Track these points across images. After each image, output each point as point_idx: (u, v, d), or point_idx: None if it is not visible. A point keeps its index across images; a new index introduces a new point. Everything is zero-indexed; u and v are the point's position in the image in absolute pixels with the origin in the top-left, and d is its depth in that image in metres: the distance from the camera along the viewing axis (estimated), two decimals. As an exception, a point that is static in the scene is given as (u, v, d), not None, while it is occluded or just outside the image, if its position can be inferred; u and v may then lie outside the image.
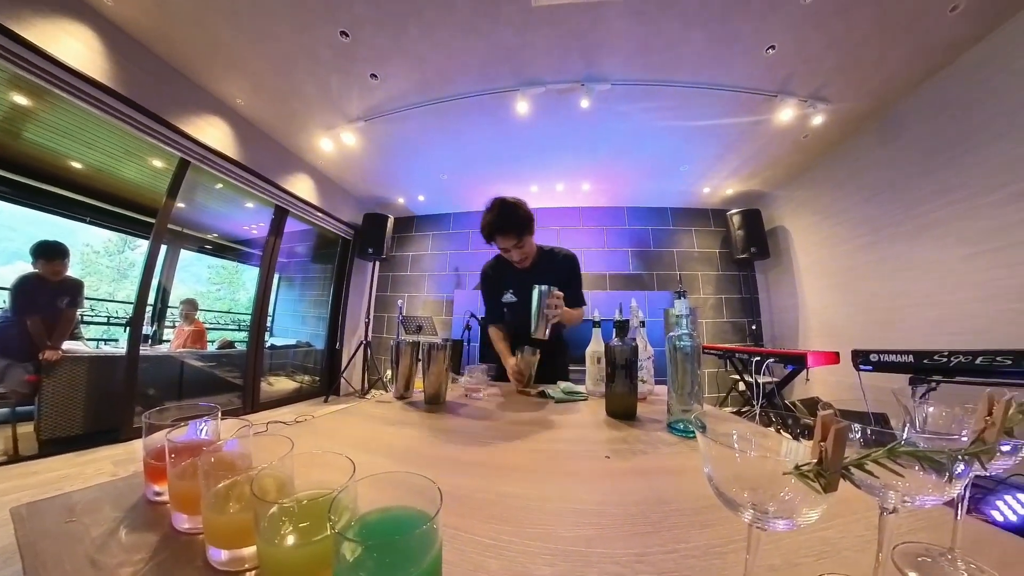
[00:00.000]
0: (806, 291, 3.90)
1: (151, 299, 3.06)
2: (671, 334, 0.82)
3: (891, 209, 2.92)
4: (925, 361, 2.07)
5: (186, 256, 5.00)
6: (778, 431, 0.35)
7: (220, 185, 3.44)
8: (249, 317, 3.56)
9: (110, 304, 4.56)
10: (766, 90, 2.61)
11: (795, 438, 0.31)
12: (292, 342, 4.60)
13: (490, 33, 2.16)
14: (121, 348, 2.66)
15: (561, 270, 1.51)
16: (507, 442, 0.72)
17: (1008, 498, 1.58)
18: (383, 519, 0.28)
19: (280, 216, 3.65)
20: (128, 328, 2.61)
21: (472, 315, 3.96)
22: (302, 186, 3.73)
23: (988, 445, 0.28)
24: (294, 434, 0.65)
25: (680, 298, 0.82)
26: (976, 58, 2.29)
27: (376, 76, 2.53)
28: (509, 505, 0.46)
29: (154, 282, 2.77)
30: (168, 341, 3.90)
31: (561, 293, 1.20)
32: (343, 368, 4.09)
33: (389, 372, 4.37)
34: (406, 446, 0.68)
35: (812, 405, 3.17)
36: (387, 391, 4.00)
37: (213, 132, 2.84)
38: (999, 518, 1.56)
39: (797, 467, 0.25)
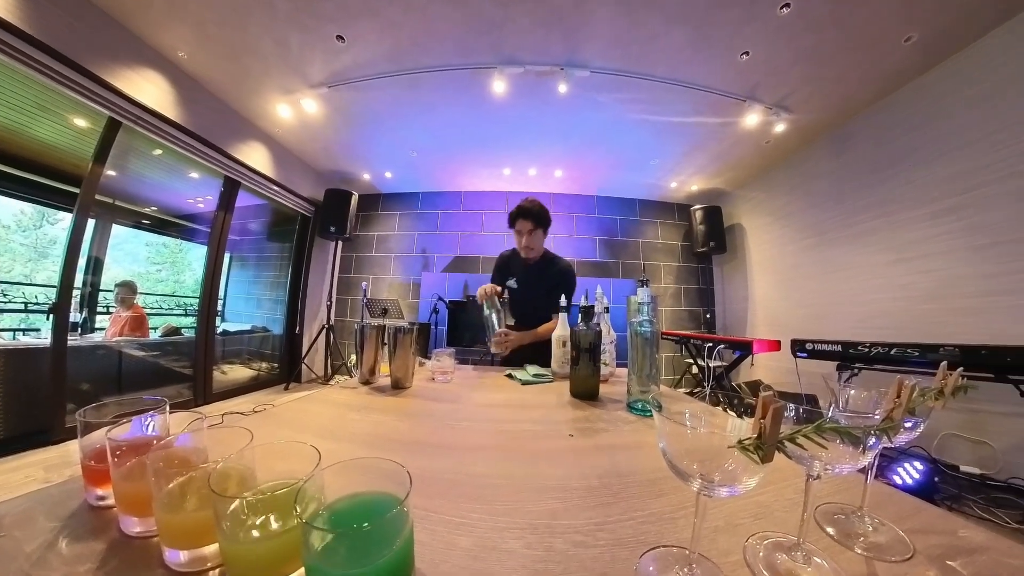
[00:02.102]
0: (756, 285, 4.25)
1: (78, 282, 2.70)
2: (633, 320, 0.86)
3: (834, 216, 3.23)
4: (850, 351, 2.37)
5: (120, 232, 4.48)
6: (725, 410, 0.38)
7: (159, 151, 3.05)
8: (197, 301, 3.28)
9: (27, 288, 4.02)
10: (736, 94, 2.73)
11: (739, 416, 0.34)
12: (247, 327, 4.31)
13: (470, 1, 2.05)
14: (45, 339, 2.33)
15: (553, 275, 1.65)
16: (475, 423, 0.73)
17: (907, 465, 1.87)
18: (352, 506, 0.28)
19: (230, 189, 3.32)
20: (52, 316, 2.28)
21: (440, 298, 3.91)
22: (256, 156, 3.40)
23: (895, 422, 0.33)
24: (253, 425, 0.62)
25: (643, 286, 0.86)
26: (920, 87, 2.55)
27: (343, 38, 2.32)
28: (478, 484, 0.47)
29: (81, 262, 2.42)
30: (102, 329, 3.51)
31: (505, 331, 1.40)
32: (304, 354, 3.91)
33: (353, 357, 4.24)
34: (373, 432, 0.67)
35: (755, 387, 3.51)
36: (352, 376, 3.89)
37: (150, 89, 2.47)
38: (899, 481, 1.84)
39: (740, 441, 0.27)
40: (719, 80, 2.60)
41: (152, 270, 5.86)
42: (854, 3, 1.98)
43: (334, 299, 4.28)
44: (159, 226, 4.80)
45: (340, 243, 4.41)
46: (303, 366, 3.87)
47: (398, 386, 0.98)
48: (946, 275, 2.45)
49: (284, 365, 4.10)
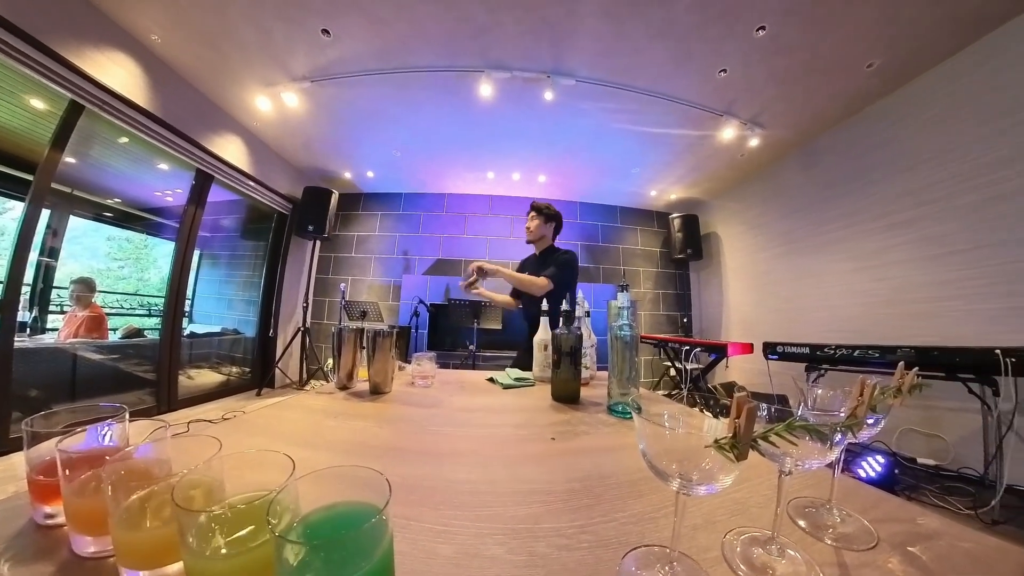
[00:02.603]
0: (730, 290, 4.44)
1: (28, 277, 2.48)
2: (613, 324, 0.87)
3: (803, 226, 3.44)
4: (818, 353, 2.51)
5: (78, 225, 4.16)
6: (702, 411, 0.39)
7: (125, 139, 2.86)
8: (163, 300, 3.10)
9: (-32, 284, 3.71)
10: (714, 109, 2.85)
11: (715, 416, 0.35)
12: (216, 329, 4.10)
13: (460, 4, 2.05)
14: (-13, 340, 2.15)
15: (551, 263, 1.87)
16: (456, 429, 0.72)
17: (870, 459, 1.99)
18: (329, 516, 0.27)
19: (202, 182, 3.14)
20: (-4, 314, 2.11)
21: (421, 301, 3.85)
22: (231, 149, 3.25)
23: (858, 419, 0.35)
24: (222, 433, 0.59)
25: (623, 291, 0.87)
26: (880, 110, 2.76)
27: (328, 32, 2.26)
28: (459, 491, 0.47)
29: (33, 256, 2.27)
30: (55, 330, 3.27)
31: (479, 265, 1.67)
32: (278, 358, 3.76)
33: (330, 361, 4.12)
34: (351, 439, 0.65)
35: (730, 388, 3.64)
36: (328, 381, 3.78)
37: (118, 72, 2.30)
38: (863, 474, 1.95)
39: (716, 441, 0.28)
40: (698, 95, 2.71)
41: (113, 267, 5.46)
42: (822, 30, 2.12)
43: (311, 301, 4.13)
44: (122, 219, 4.50)
45: (318, 243, 4.29)
46: (276, 370, 3.71)
47: (377, 391, 0.96)
48: (903, 282, 2.63)
49: (256, 369, 3.92)
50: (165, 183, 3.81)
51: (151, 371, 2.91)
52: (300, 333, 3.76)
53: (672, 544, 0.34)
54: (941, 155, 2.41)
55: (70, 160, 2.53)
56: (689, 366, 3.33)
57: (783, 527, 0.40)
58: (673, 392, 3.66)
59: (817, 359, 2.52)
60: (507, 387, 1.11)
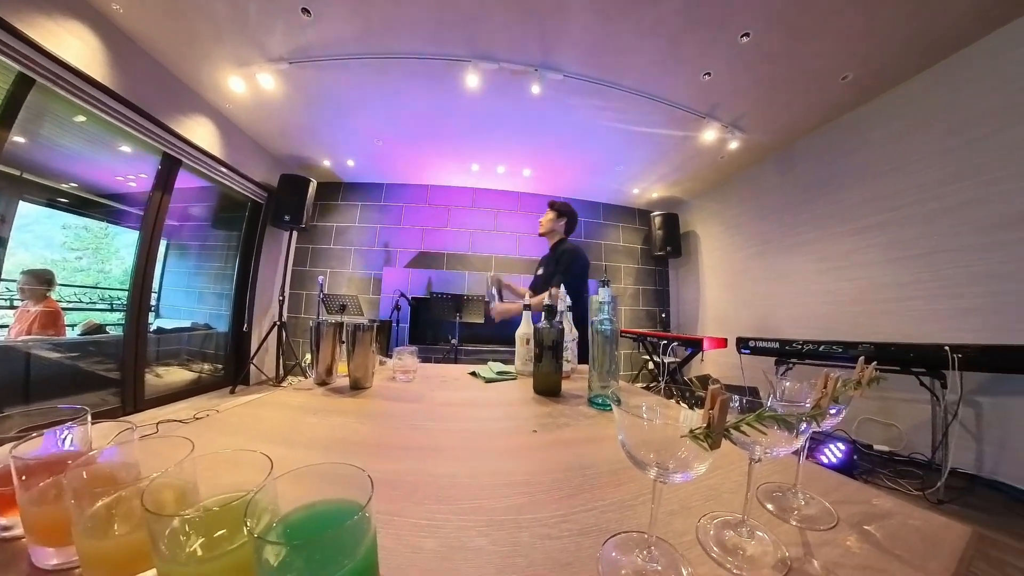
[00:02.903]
0: (707, 288, 4.59)
1: None
2: (594, 319, 0.89)
3: (777, 228, 3.58)
4: (787, 347, 2.67)
5: (29, 211, 3.86)
6: (678, 402, 0.40)
7: (82, 118, 2.62)
8: (126, 294, 2.94)
9: (-97, 276, 3.39)
10: (697, 111, 2.91)
11: (691, 408, 0.36)
12: (186, 324, 3.92)
13: None
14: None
15: (556, 256, 2.02)
16: (438, 423, 0.72)
17: (832, 446, 2.13)
18: (309, 515, 0.27)
19: (170, 167, 2.94)
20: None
21: (402, 294, 3.80)
22: (201, 132, 3.05)
23: (822, 409, 0.37)
24: (194, 433, 0.57)
25: (604, 287, 0.89)
26: (852, 120, 2.89)
27: (308, 12, 2.14)
28: (442, 485, 0.47)
29: None
30: (4, 327, 3.05)
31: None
32: (253, 353, 3.63)
33: (308, 356, 4.01)
34: (331, 435, 0.64)
35: (704, 381, 3.81)
36: (307, 377, 3.69)
37: (74, 44, 2.09)
38: (825, 460, 2.10)
39: (691, 431, 0.29)
40: (683, 96, 2.76)
41: (70, 257, 5.09)
42: (802, 41, 2.20)
43: (287, 294, 3.99)
44: (80, 206, 4.16)
45: (295, 233, 4.13)
46: (252, 367, 3.59)
47: (357, 386, 0.95)
48: (867, 283, 2.79)
49: (230, 366, 3.77)
50: (128, 167, 3.55)
51: (115, 370, 2.76)
52: (276, 328, 3.64)
53: (650, 530, 0.36)
54: (905, 166, 2.57)
55: (18, 140, 2.34)
56: (667, 360, 3.45)
57: (753, 511, 0.42)
58: (651, 384, 3.78)
59: (786, 353, 2.68)
60: (489, 381, 1.11)
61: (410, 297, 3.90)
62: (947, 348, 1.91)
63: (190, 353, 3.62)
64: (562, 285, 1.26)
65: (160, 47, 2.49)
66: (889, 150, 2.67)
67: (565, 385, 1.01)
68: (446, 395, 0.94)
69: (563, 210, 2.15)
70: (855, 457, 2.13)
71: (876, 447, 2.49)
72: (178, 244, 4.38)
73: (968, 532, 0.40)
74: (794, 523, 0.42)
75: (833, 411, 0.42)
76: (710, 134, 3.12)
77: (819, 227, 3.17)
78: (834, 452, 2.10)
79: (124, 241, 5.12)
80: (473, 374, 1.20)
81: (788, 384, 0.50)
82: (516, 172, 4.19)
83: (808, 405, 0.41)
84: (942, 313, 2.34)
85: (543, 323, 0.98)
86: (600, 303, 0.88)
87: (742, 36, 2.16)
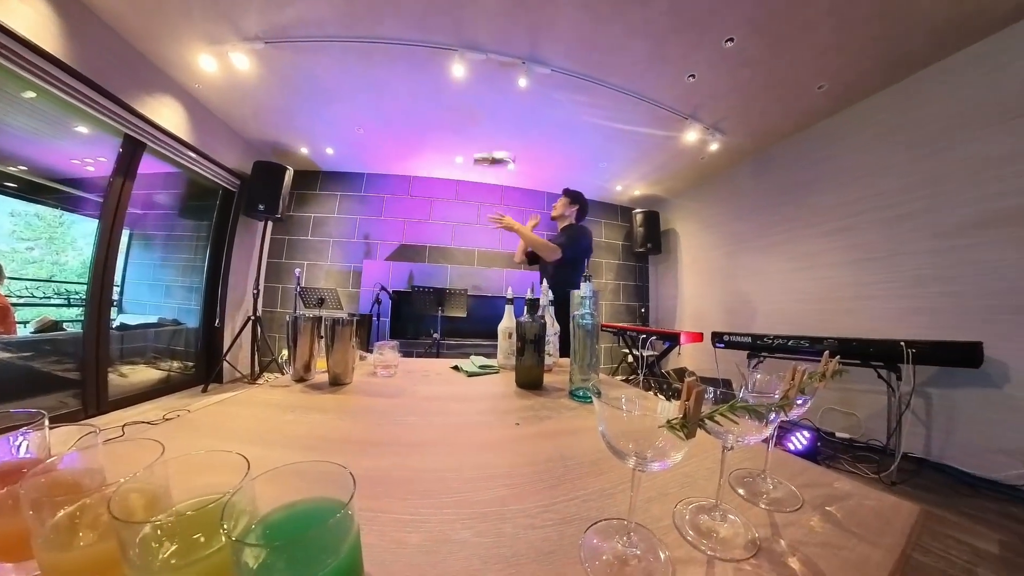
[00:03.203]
0: (684, 284, 4.73)
1: None
2: (575, 313, 0.90)
3: (751, 228, 3.73)
4: (758, 342, 2.82)
5: None
6: (656, 394, 0.42)
7: (32, 94, 2.40)
8: (85, 288, 2.76)
9: None
10: (680, 111, 2.96)
11: (668, 399, 0.37)
12: (152, 320, 3.72)
13: None
14: None
15: (564, 234, 2.22)
16: (421, 418, 0.72)
17: (798, 434, 2.25)
18: (290, 516, 0.26)
19: (132, 151, 2.71)
20: None
21: (383, 288, 3.73)
22: (168, 114, 2.83)
23: (789, 400, 0.40)
24: (164, 435, 0.55)
25: (586, 282, 0.90)
26: (825, 128, 3.04)
27: None
28: (426, 479, 0.47)
29: None
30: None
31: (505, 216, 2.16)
32: (226, 350, 3.48)
33: (285, 352, 3.89)
34: (310, 433, 0.62)
35: (681, 373, 3.98)
36: (284, 374, 3.59)
37: (23, 11, 1.88)
38: (792, 447, 2.22)
39: (668, 421, 0.30)
40: (667, 96, 2.80)
41: (20, 248, 4.73)
42: (782, 49, 2.27)
43: (262, 287, 3.83)
44: (30, 191, 3.81)
45: (270, 224, 3.92)
46: (225, 364, 3.46)
47: (337, 382, 0.93)
48: (832, 282, 2.97)
49: (201, 364, 3.61)
50: (85, 150, 3.28)
51: (74, 369, 2.58)
52: (251, 323, 3.51)
53: (629, 516, 0.37)
54: (869, 175, 2.73)
55: (-43, 119, 2.14)
56: (645, 353, 3.55)
57: (725, 495, 0.44)
58: (630, 377, 3.88)
59: (758, 347, 2.84)
60: (472, 375, 1.12)
61: (391, 291, 3.83)
62: (902, 344, 2.07)
63: (157, 350, 3.45)
64: (544, 280, 1.26)
65: (121, 18, 2.28)
66: (856, 159, 2.83)
67: (547, 378, 1.03)
68: (428, 390, 0.94)
69: (577, 198, 2.30)
70: (819, 444, 2.27)
71: (838, 434, 2.67)
72: (142, 234, 4.12)
73: (917, 510, 0.44)
74: (763, 506, 0.45)
75: (800, 401, 0.44)
76: (692, 135, 3.19)
77: (789, 229, 3.34)
78: (800, 439, 2.22)
79: (82, 230, 4.77)
80: (455, 368, 1.20)
81: (759, 376, 0.52)
82: (501, 166, 4.16)
83: (777, 396, 0.44)
84: (898, 311, 2.52)
85: (525, 317, 0.99)
86: (582, 298, 0.89)
87: (727, 41, 2.21)
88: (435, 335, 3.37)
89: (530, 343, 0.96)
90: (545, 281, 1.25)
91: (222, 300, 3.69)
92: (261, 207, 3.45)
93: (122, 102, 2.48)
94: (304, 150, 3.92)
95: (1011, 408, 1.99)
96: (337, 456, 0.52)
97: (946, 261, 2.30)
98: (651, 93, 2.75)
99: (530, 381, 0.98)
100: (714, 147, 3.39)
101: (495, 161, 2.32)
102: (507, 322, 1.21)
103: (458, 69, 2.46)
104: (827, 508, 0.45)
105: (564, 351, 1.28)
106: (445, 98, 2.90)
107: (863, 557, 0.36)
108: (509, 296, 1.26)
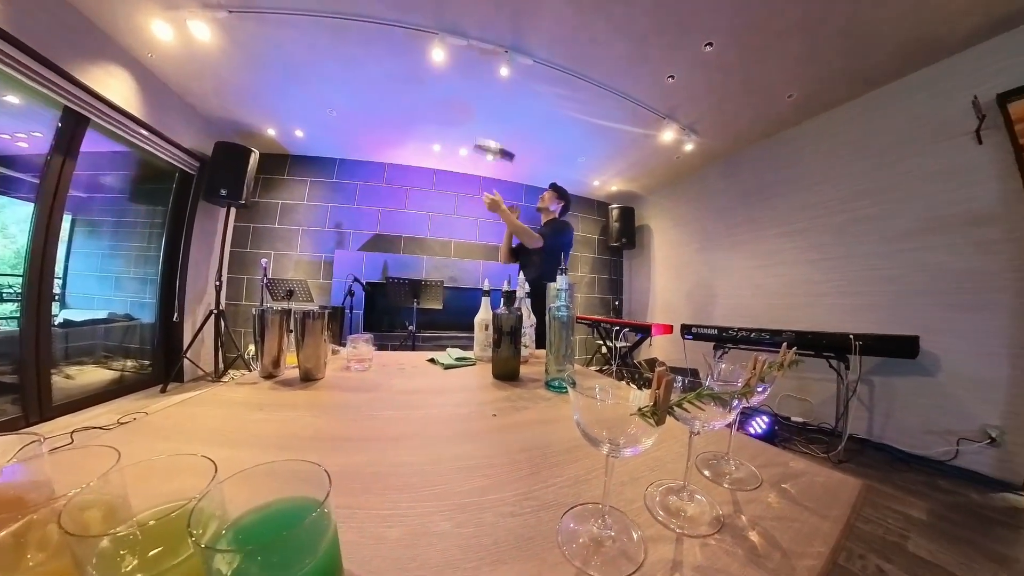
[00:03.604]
0: (656, 278, 4.91)
1: None
2: (551, 305, 0.91)
3: (719, 227, 3.92)
4: (723, 334, 3.00)
5: None
6: (628, 384, 0.43)
7: None
8: (19, 280, 2.51)
9: None
10: (658, 111, 3.02)
11: (639, 388, 0.39)
12: (101, 315, 3.43)
13: None
14: None
15: (548, 224, 2.31)
16: (397, 411, 0.71)
17: (758, 419, 2.42)
18: (263, 518, 0.25)
19: (73, 126, 2.42)
20: None
21: (356, 279, 3.63)
22: (116, 86, 2.53)
23: (751, 388, 0.42)
24: (120, 440, 0.52)
25: (562, 275, 0.91)
26: (791, 136, 3.22)
27: None
28: (403, 473, 0.47)
29: None
30: None
31: (497, 193, 2.16)
32: (186, 346, 3.28)
33: (252, 347, 3.72)
34: (281, 431, 0.60)
35: (652, 364, 4.21)
36: (251, 370, 3.44)
37: None
38: (752, 431, 2.38)
39: (640, 409, 0.32)
40: (646, 95, 2.84)
41: None
42: (757, 58, 2.37)
43: (225, 278, 3.62)
44: None
45: (233, 210, 3.67)
46: (185, 361, 3.26)
47: (308, 378, 0.90)
48: (790, 279, 3.19)
49: (159, 362, 3.37)
50: (15, 123, 2.91)
51: (10, 372, 2.34)
52: (213, 317, 3.32)
53: (603, 500, 0.38)
54: (827, 181, 2.94)
55: None
56: (618, 344, 3.67)
57: (692, 477, 0.47)
58: (604, 368, 4.00)
59: (723, 339, 3.02)
60: (448, 367, 1.11)
61: (364, 282, 3.73)
62: (851, 337, 2.27)
63: (108, 349, 3.20)
64: (521, 273, 1.27)
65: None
66: (816, 166, 3.03)
67: (523, 370, 1.04)
68: (404, 383, 0.93)
69: (564, 194, 2.37)
70: (776, 428, 2.45)
71: (793, 419, 2.90)
72: (88, 220, 3.75)
73: (859, 485, 0.48)
74: (726, 486, 0.48)
75: (760, 389, 0.47)
76: (668, 134, 3.27)
77: (754, 229, 3.54)
78: (760, 424, 2.39)
79: (14, 215, 4.32)
80: (432, 361, 1.19)
81: (724, 366, 0.56)
82: (479, 157, 4.08)
83: (740, 384, 0.46)
84: (848, 307, 2.76)
85: (502, 309, 0.99)
86: (558, 290, 0.90)
87: (706, 45, 2.27)
88: (410, 327, 3.33)
89: (507, 335, 0.97)
90: (522, 273, 1.26)
91: (181, 293, 3.47)
92: (223, 192, 3.22)
93: (61, 70, 2.21)
94: (271, 132, 3.68)
95: (941, 394, 2.23)
96: (311, 454, 0.51)
97: (891, 263, 2.53)
98: (631, 91, 2.78)
99: (507, 372, 0.98)
100: (688, 147, 3.50)
101: (496, 153, 2.31)
102: (484, 314, 1.21)
103: (438, 54, 2.38)
104: (783, 485, 0.48)
105: (540, 343, 1.30)
106: (424, 84, 2.80)
107: (814, 528, 0.40)
108: (486, 288, 1.26)
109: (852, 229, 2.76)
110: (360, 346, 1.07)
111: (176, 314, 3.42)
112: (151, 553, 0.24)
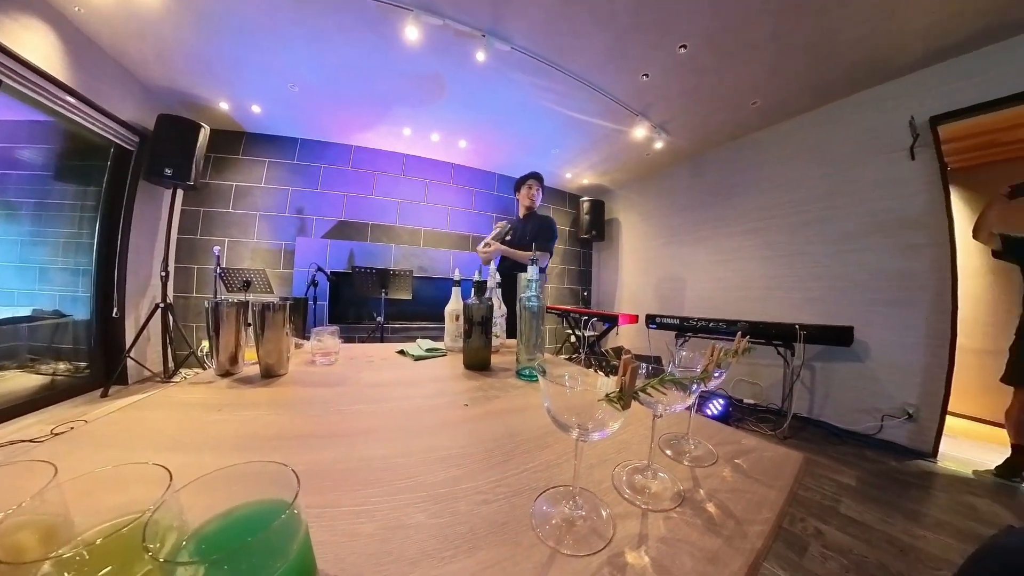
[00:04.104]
0: (623, 270, 5.10)
1: None
2: (522, 295, 0.92)
3: (684, 223, 4.15)
4: (685, 323, 3.23)
5: None
6: (596, 371, 0.45)
7: None
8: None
9: None
10: (632, 108, 3.08)
11: (607, 375, 0.41)
12: (24, 312, 3.06)
13: None
14: None
15: (535, 224, 2.32)
16: (366, 405, 0.70)
17: (715, 401, 2.61)
18: (228, 524, 0.24)
19: None
20: None
21: (319, 268, 3.46)
22: (33, 42, 2.15)
23: (708, 373, 0.46)
24: (56, 453, 0.48)
25: (532, 265, 0.92)
26: (754, 140, 3.44)
27: None
28: (375, 467, 0.46)
29: None
30: None
31: (488, 242, 2.22)
32: (130, 345, 2.99)
33: (206, 343, 3.48)
34: (242, 432, 0.57)
35: (619, 352, 4.45)
36: (205, 368, 3.23)
37: None
38: (710, 413, 2.58)
39: (607, 395, 0.33)
40: (621, 92, 2.88)
41: None
42: (728, 65, 2.48)
43: (172, 268, 3.31)
44: None
45: (180, 193, 3.33)
46: (129, 361, 2.99)
47: (270, 374, 0.86)
48: (746, 274, 3.44)
49: (97, 363, 3.03)
50: None
51: None
52: (159, 311, 3.07)
53: (574, 482, 0.40)
54: (783, 185, 3.19)
55: None
56: (587, 333, 3.80)
57: (656, 457, 0.50)
58: (573, 356, 4.13)
59: (684, 328, 3.26)
60: (419, 359, 1.10)
61: (329, 272, 3.58)
62: (797, 327, 2.53)
63: (35, 351, 2.86)
64: (492, 263, 1.27)
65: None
66: (775, 170, 3.26)
67: (494, 359, 1.05)
68: (373, 376, 0.91)
69: (544, 185, 2.43)
70: (731, 409, 2.71)
71: (745, 401, 3.18)
72: (2, 202, 3.31)
73: (801, 457, 0.54)
74: (686, 463, 0.52)
75: (716, 374, 0.51)
76: (640, 131, 3.36)
77: (716, 226, 3.77)
78: (716, 406, 2.60)
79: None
80: (401, 352, 1.17)
81: (684, 353, 0.59)
82: (452, 142, 3.98)
83: (699, 370, 0.50)
84: (796, 300, 3.04)
85: (473, 299, 0.99)
86: (528, 280, 0.91)
87: (680, 47, 2.33)
88: (379, 319, 3.24)
89: (477, 325, 0.97)
90: (492, 263, 1.25)
91: (120, 285, 3.15)
92: (168, 172, 2.90)
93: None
94: (224, 106, 3.33)
95: (869, 378, 2.54)
96: (276, 454, 0.49)
97: (834, 261, 2.81)
98: (607, 86, 2.81)
99: (478, 363, 0.99)
100: (659, 145, 3.61)
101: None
102: (454, 304, 1.20)
103: (412, 32, 2.25)
104: (736, 461, 0.53)
105: (511, 333, 1.31)
106: (396, 63, 2.65)
107: (763, 497, 0.44)
108: (456, 278, 1.24)
109: (802, 230, 3.02)
110: (325, 339, 1.03)
111: (116, 309, 3.11)
112: (102, 574, 0.22)
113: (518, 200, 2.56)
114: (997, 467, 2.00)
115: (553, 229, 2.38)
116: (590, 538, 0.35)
